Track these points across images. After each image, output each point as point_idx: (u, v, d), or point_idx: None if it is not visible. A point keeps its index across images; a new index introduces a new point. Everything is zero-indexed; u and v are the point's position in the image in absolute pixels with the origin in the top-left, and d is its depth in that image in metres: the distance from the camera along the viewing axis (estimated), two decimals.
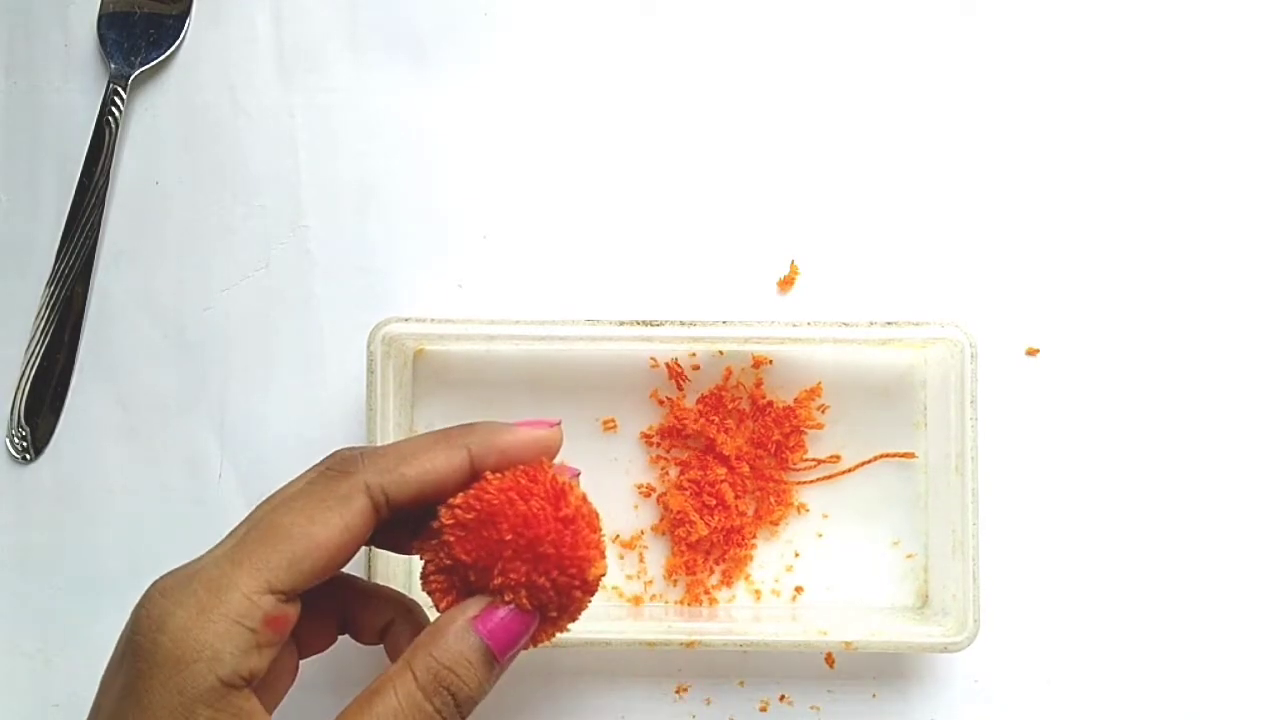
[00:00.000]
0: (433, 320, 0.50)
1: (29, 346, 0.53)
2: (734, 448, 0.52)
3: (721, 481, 0.52)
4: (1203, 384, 0.54)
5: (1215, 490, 0.54)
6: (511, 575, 0.36)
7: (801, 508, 0.53)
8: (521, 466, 0.37)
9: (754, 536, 0.53)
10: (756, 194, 0.55)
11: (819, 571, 0.53)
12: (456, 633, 0.35)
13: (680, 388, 0.53)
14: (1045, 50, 0.55)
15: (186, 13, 0.55)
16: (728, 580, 0.53)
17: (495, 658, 0.35)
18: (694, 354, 0.53)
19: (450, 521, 0.36)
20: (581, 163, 0.55)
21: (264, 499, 0.36)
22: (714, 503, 0.52)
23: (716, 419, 0.53)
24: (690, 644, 0.48)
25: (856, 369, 0.53)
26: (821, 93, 0.55)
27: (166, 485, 0.53)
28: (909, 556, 0.53)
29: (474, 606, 0.36)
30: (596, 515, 0.38)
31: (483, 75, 0.55)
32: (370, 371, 0.49)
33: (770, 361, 0.53)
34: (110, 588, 0.53)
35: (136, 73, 0.54)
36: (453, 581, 0.37)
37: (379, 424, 0.49)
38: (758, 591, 0.53)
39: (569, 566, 0.36)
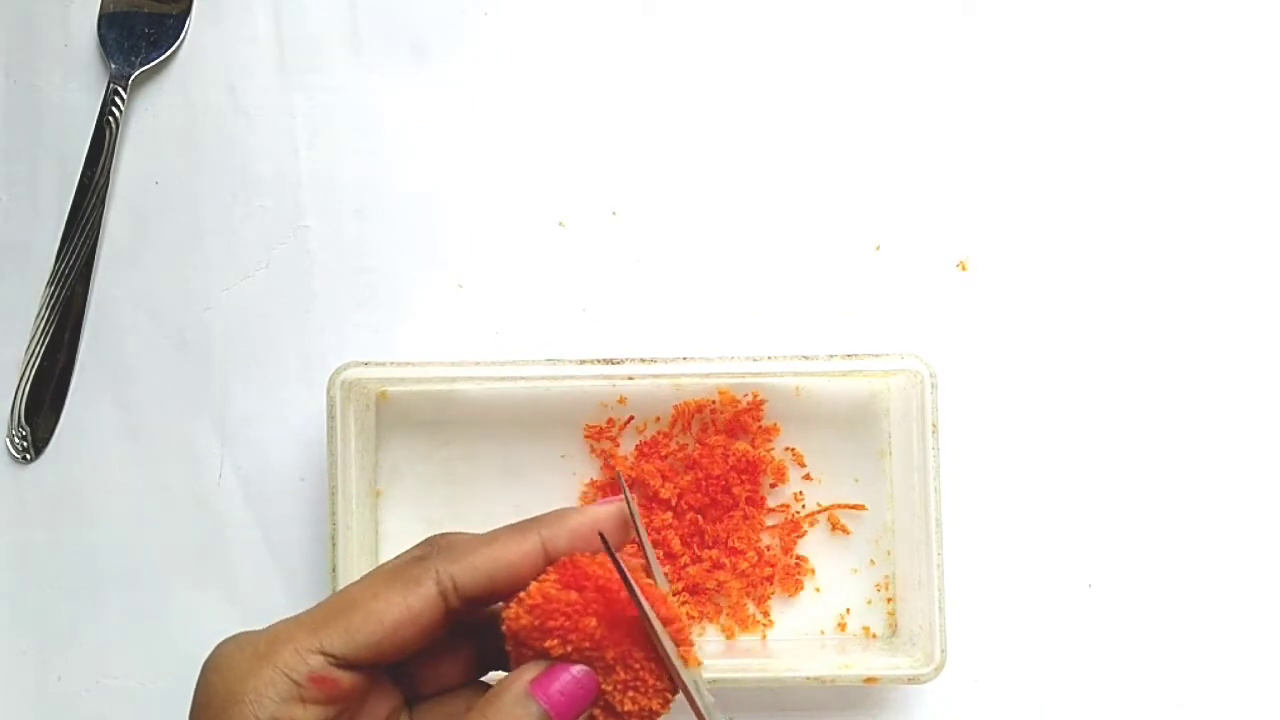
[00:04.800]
0: (393, 364, 0.50)
1: (29, 346, 0.53)
2: (673, 493, 0.52)
3: (666, 528, 0.52)
4: (1172, 419, 0.54)
5: (1183, 520, 0.54)
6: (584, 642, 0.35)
7: (770, 547, 0.53)
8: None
9: (720, 572, 0.52)
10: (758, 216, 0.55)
11: (789, 602, 0.53)
12: (513, 697, 0.34)
13: (615, 439, 0.53)
14: (1045, 54, 0.55)
15: (187, 13, 0.55)
16: (697, 619, 0.52)
17: None
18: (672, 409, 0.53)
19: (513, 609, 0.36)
20: (581, 161, 0.55)
21: None
22: (661, 553, 0.52)
23: (650, 465, 0.52)
24: None
25: (821, 397, 0.53)
26: (809, 112, 0.55)
27: (166, 485, 0.53)
28: (878, 586, 0.53)
29: (533, 670, 0.35)
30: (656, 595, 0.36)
31: (483, 75, 0.55)
32: (330, 416, 0.49)
33: (736, 400, 0.53)
34: (110, 588, 0.53)
35: (137, 73, 0.54)
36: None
37: (340, 468, 0.49)
38: (728, 628, 0.52)
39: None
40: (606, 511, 0.37)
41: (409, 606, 0.35)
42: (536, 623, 0.35)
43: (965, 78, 0.55)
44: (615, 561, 0.35)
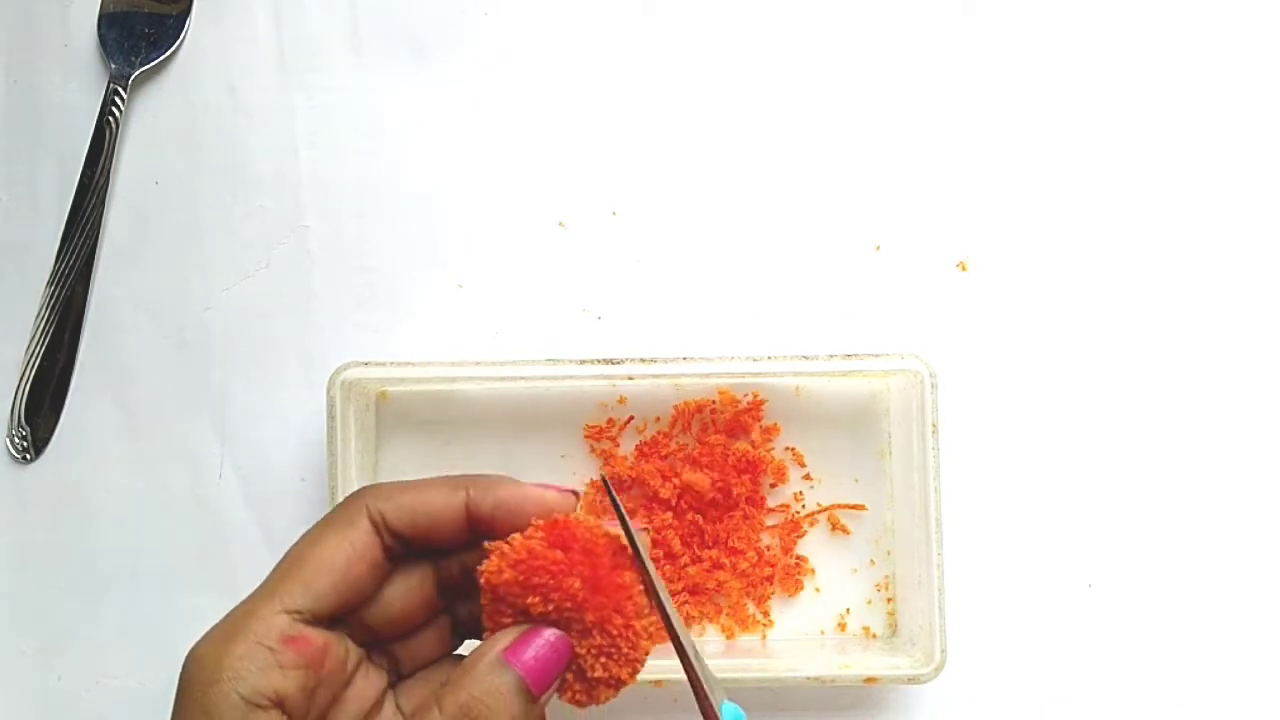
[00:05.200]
0: (393, 364, 0.50)
1: (29, 346, 0.53)
2: (673, 493, 0.52)
3: (667, 528, 0.52)
4: (1172, 419, 0.54)
5: (1183, 520, 0.54)
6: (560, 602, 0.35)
7: (770, 547, 0.53)
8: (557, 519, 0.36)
9: (720, 572, 0.52)
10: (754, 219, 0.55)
11: (789, 602, 0.53)
12: (488, 665, 0.34)
13: (615, 439, 0.53)
14: (1045, 54, 0.55)
15: (187, 13, 0.55)
16: (697, 618, 0.52)
17: (530, 692, 0.34)
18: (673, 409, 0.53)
19: (494, 552, 0.36)
20: (581, 161, 0.55)
21: None
22: (661, 553, 0.52)
23: (650, 465, 0.52)
24: (658, 683, 0.48)
25: (821, 397, 0.53)
26: (809, 112, 0.55)
27: (166, 485, 0.53)
28: (878, 586, 0.53)
29: (506, 638, 0.35)
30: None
31: (483, 75, 0.55)
32: (330, 416, 0.49)
33: (736, 400, 0.53)
34: (110, 588, 0.53)
35: (137, 73, 0.54)
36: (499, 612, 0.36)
37: (340, 468, 0.49)
38: (728, 628, 0.52)
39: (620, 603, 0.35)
40: (538, 494, 0.37)
41: (352, 544, 0.36)
42: (520, 578, 0.35)
43: (965, 78, 0.55)
44: (619, 512, 0.35)
